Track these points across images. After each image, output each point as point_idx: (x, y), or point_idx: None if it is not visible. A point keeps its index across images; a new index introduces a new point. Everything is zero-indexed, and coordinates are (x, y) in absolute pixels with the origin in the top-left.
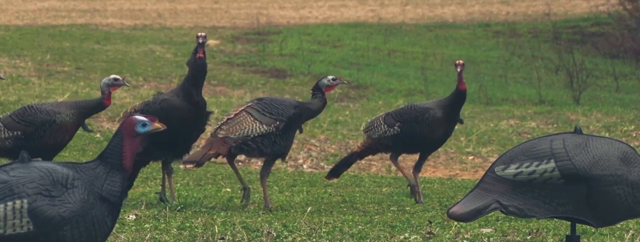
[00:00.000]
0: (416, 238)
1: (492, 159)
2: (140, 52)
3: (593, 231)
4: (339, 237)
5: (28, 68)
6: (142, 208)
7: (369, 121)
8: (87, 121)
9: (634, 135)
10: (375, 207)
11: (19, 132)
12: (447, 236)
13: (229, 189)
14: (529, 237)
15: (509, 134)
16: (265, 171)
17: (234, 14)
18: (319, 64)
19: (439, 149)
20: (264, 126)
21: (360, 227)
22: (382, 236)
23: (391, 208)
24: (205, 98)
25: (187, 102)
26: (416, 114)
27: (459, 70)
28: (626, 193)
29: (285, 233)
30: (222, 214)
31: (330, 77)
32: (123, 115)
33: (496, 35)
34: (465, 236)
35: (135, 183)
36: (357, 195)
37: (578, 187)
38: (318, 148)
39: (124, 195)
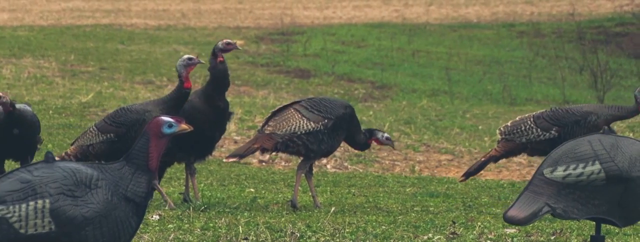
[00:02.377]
0: (440, 238)
1: (516, 160)
2: (164, 53)
3: (617, 231)
4: (362, 237)
5: (52, 68)
6: (166, 208)
7: (508, 126)
8: None
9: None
10: (399, 208)
11: (112, 135)
12: (471, 236)
13: (252, 189)
14: (552, 238)
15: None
16: (304, 165)
17: (258, 14)
18: (342, 64)
19: (462, 149)
20: (312, 123)
21: (383, 227)
22: (405, 236)
23: (415, 208)
24: (229, 99)
25: (209, 106)
26: (577, 118)
27: None
28: None
29: (309, 233)
30: (245, 214)
31: (386, 135)
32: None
33: (520, 36)
34: (489, 236)
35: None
36: (381, 195)
37: (616, 188)
38: (342, 148)
39: (149, 196)
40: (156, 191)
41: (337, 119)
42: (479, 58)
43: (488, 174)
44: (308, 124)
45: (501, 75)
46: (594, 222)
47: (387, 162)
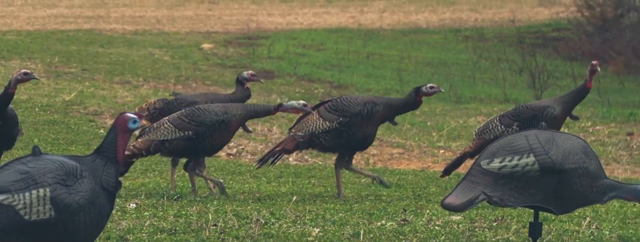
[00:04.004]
0: (392, 225)
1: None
2: (141, 55)
3: (553, 218)
4: (321, 223)
5: (38, 69)
6: (142, 197)
7: (482, 125)
8: None
9: (591, 131)
10: (355, 197)
11: (190, 132)
12: (420, 223)
13: (221, 180)
14: (494, 224)
15: (473, 132)
16: (339, 162)
17: (226, 20)
18: (303, 65)
19: (413, 143)
20: (327, 122)
21: (340, 214)
22: (360, 222)
23: (369, 197)
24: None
25: None
26: (534, 113)
27: (592, 70)
28: (586, 184)
29: (273, 220)
30: (214, 203)
31: (428, 85)
32: (138, 109)
33: (465, 40)
34: (437, 223)
35: (135, 174)
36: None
37: (550, 178)
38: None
39: (119, 185)
40: (132, 181)
41: (353, 116)
42: (427, 60)
43: (436, 166)
44: (324, 123)
45: (448, 76)
46: (533, 210)
47: None
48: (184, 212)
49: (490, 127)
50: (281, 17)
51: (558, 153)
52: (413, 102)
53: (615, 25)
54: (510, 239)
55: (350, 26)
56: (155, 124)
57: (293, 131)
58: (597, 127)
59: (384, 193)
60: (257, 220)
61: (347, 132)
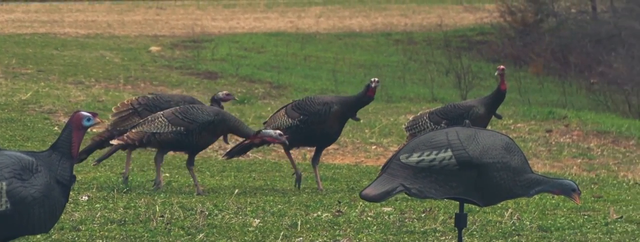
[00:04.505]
0: (327, 216)
1: (392, 148)
2: (93, 57)
3: (478, 209)
4: (261, 215)
5: None
6: (94, 190)
7: (411, 120)
8: None
9: (513, 128)
10: (293, 189)
11: (182, 128)
12: (354, 214)
13: (167, 174)
14: (423, 215)
15: (403, 127)
16: (315, 158)
17: (173, 24)
18: (245, 67)
19: (347, 140)
20: (290, 119)
21: (279, 206)
22: (298, 213)
23: (306, 190)
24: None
25: None
26: (461, 112)
27: (500, 74)
28: (508, 178)
29: (216, 211)
30: (162, 195)
31: (374, 80)
32: (120, 105)
33: (396, 43)
34: (369, 214)
35: (87, 169)
36: (277, 179)
37: (469, 172)
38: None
39: (73, 179)
40: (84, 175)
41: (312, 115)
42: (361, 62)
43: (368, 161)
44: (287, 120)
45: (379, 77)
46: (458, 202)
47: (282, 151)
48: (133, 204)
49: (420, 124)
50: (224, 21)
51: (476, 148)
52: (364, 97)
53: (535, 30)
54: (438, 229)
55: (289, 30)
56: (149, 117)
57: (265, 124)
58: (519, 125)
59: (316, 186)
60: (202, 211)
61: (307, 129)
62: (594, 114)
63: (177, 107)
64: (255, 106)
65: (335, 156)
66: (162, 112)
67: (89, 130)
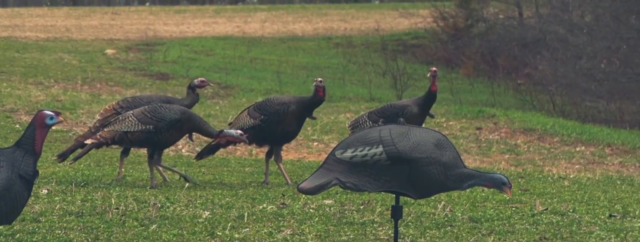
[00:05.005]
0: (272, 208)
1: (333, 145)
2: (52, 59)
3: (413, 202)
4: (211, 207)
5: None
6: (53, 184)
7: (353, 119)
8: None
9: (445, 126)
10: (240, 183)
11: (151, 126)
12: (297, 206)
13: (123, 169)
14: (361, 207)
15: (346, 126)
16: (276, 155)
17: (127, 29)
18: (195, 69)
19: None
20: (252, 119)
21: (227, 199)
22: (245, 206)
23: (252, 184)
24: (104, 97)
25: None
26: (396, 111)
27: (433, 75)
28: (439, 172)
29: (168, 204)
30: (117, 189)
31: (318, 79)
32: (108, 107)
33: (336, 46)
34: (311, 206)
35: (47, 164)
36: (225, 174)
37: (401, 167)
38: (194, 135)
39: (36, 174)
40: (44, 170)
41: (271, 115)
42: (303, 64)
43: (310, 157)
44: (249, 120)
45: (320, 78)
46: (394, 195)
47: (230, 147)
48: (89, 197)
49: (360, 122)
50: (175, 26)
51: (407, 144)
52: (315, 98)
53: (466, 34)
54: (375, 220)
55: (236, 34)
56: (120, 117)
57: (230, 125)
58: (451, 123)
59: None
60: (154, 204)
61: (267, 128)
62: (521, 112)
63: (146, 107)
64: (205, 106)
65: (284, 152)
66: (131, 112)
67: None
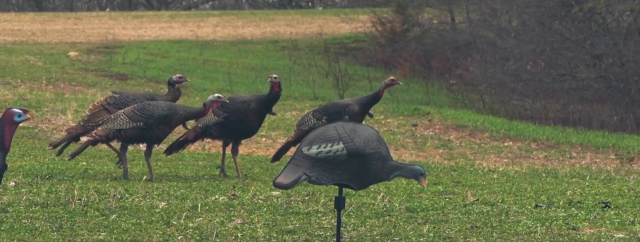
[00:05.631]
0: (224, 199)
1: (280, 140)
2: (18, 61)
3: (354, 193)
4: (166, 198)
5: None
6: (20, 177)
7: (301, 117)
8: None
9: (383, 122)
10: (193, 176)
11: (141, 123)
12: (247, 197)
13: (84, 163)
14: (307, 198)
15: (292, 122)
16: (234, 149)
17: (88, 32)
18: (152, 70)
19: None
20: (216, 117)
21: (182, 190)
22: (198, 197)
23: (205, 177)
24: (67, 95)
25: None
26: (339, 109)
27: (390, 84)
28: (380, 165)
29: (127, 195)
30: (79, 181)
31: (273, 76)
32: (96, 103)
33: (282, 49)
34: (260, 197)
35: (14, 158)
36: (180, 167)
37: (354, 161)
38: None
39: (5, 168)
40: (11, 164)
41: (233, 112)
42: (252, 66)
43: (259, 151)
44: (214, 118)
45: (268, 78)
46: (337, 186)
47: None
48: (54, 189)
49: (306, 120)
50: (133, 30)
51: (361, 140)
52: (271, 94)
53: (403, 38)
54: (320, 210)
55: (190, 38)
56: (112, 116)
57: (196, 122)
58: (389, 120)
59: (217, 173)
60: (114, 195)
61: (230, 124)
62: (453, 110)
63: (135, 105)
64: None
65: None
66: (123, 111)
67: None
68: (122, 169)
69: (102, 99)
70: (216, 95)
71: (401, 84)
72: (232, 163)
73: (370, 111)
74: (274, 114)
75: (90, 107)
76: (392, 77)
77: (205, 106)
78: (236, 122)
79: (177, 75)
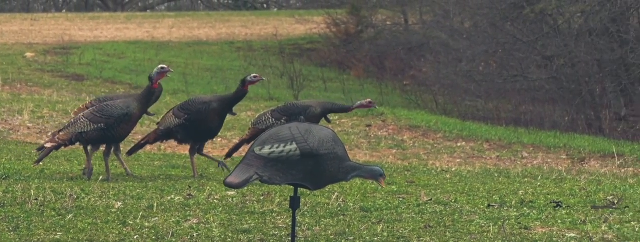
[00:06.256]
0: (180, 198)
1: (235, 141)
2: None
3: (309, 193)
4: (122, 198)
5: None
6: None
7: (256, 117)
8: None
9: (338, 123)
10: (149, 176)
11: (102, 124)
12: (202, 197)
13: (41, 163)
14: (262, 198)
15: (247, 123)
16: (192, 149)
17: (45, 34)
18: (108, 70)
19: None
20: (177, 119)
21: (138, 190)
22: (154, 197)
23: (161, 176)
24: (24, 96)
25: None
26: (300, 110)
27: (366, 105)
28: (335, 165)
29: (83, 195)
30: (36, 181)
31: (252, 75)
32: (82, 106)
33: (238, 50)
34: (216, 197)
35: None
36: (136, 167)
37: (308, 161)
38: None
39: None
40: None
41: (193, 113)
42: (208, 67)
43: (214, 151)
44: (175, 120)
45: (224, 79)
46: (293, 186)
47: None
48: (10, 189)
49: (263, 120)
50: (90, 31)
51: (314, 141)
52: (241, 91)
53: (357, 39)
54: (275, 210)
55: (146, 39)
56: (72, 120)
57: (157, 126)
58: (343, 120)
59: (173, 173)
60: (71, 195)
61: (192, 126)
62: (407, 111)
63: (94, 107)
64: None
65: (186, 147)
66: (82, 114)
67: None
68: (87, 171)
69: (87, 101)
70: (160, 66)
71: (377, 107)
72: (189, 163)
73: (329, 116)
74: (234, 114)
75: (76, 109)
76: (370, 100)
77: (152, 80)
78: (198, 124)
79: (160, 66)
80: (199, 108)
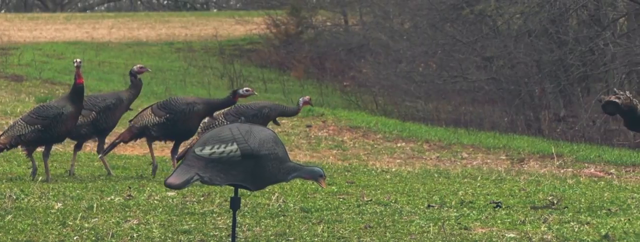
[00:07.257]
0: (119, 199)
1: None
2: None
3: (249, 193)
4: (62, 199)
5: None
6: None
7: (207, 120)
8: None
9: (281, 124)
10: (89, 177)
11: (39, 126)
12: (142, 197)
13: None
14: (202, 198)
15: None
16: (175, 149)
17: None
18: (47, 71)
19: None
20: (157, 117)
21: (78, 191)
22: (94, 197)
23: (101, 177)
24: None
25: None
26: (255, 111)
27: (307, 103)
28: (275, 166)
29: (22, 196)
30: None
31: (245, 88)
32: None
33: (178, 51)
34: (156, 198)
35: None
36: (76, 167)
37: (248, 162)
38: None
39: None
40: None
41: (176, 113)
42: (148, 67)
43: (155, 152)
44: (154, 118)
45: (164, 80)
46: (233, 187)
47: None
48: None
49: (217, 124)
50: (29, 32)
51: (255, 142)
52: (230, 101)
53: (297, 40)
54: (215, 210)
55: (85, 40)
56: (12, 123)
57: (132, 123)
58: (283, 121)
59: (113, 174)
60: (10, 196)
61: (172, 125)
62: (347, 111)
63: (31, 109)
64: None
65: (126, 148)
66: (20, 117)
67: None
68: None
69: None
70: (138, 65)
71: (311, 106)
72: (128, 164)
73: (277, 119)
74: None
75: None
76: (308, 100)
77: (77, 80)
78: (179, 124)
79: (138, 65)
80: (183, 108)
